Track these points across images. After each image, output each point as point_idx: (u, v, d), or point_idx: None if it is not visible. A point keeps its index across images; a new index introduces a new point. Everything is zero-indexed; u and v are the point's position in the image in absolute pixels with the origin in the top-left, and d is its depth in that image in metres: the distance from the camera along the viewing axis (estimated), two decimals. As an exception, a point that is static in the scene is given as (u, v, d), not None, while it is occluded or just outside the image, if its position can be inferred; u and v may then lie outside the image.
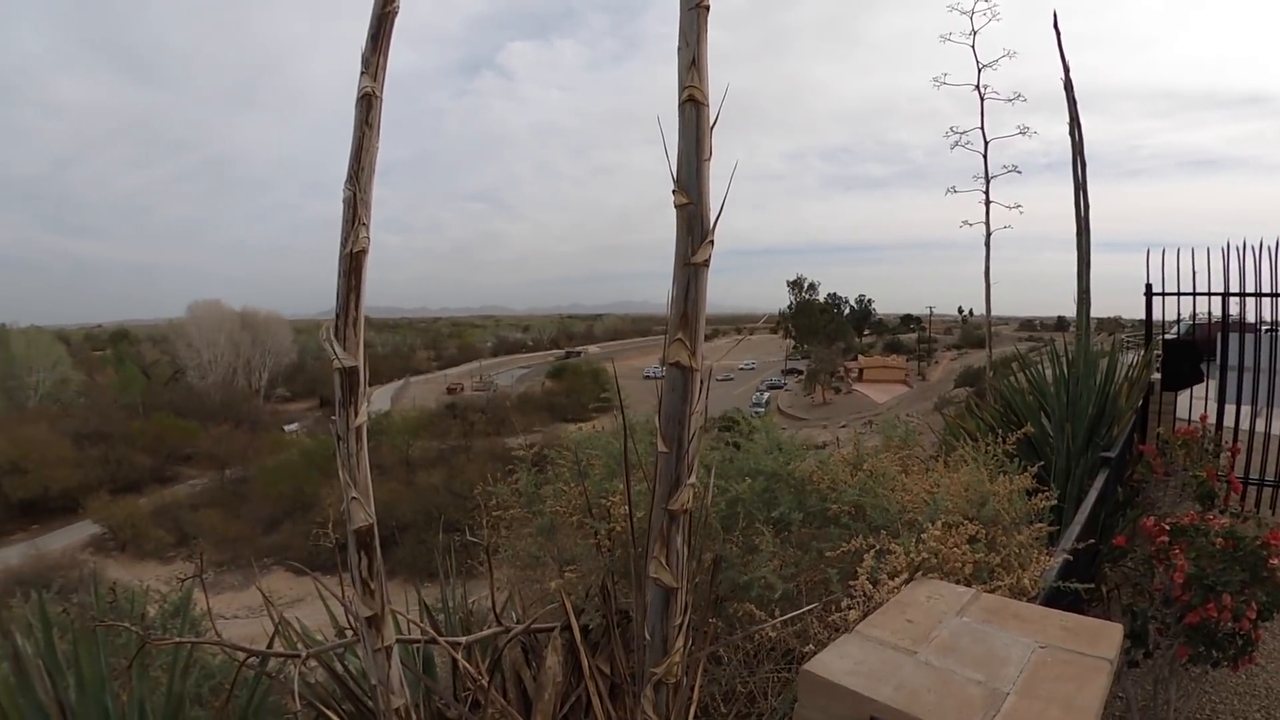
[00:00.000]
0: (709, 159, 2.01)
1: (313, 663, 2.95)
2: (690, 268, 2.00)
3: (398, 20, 2.26)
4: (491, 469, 4.70)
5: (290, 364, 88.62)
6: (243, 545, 37.41)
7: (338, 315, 2.17)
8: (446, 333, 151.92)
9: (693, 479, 2.07)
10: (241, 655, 3.08)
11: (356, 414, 2.15)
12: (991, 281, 10.65)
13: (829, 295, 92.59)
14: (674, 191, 2.00)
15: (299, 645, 3.13)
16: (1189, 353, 9.08)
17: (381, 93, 2.22)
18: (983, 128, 10.51)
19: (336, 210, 2.27)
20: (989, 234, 10.52)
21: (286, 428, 65.87)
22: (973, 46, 10.27)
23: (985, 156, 10.54)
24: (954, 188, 11.15)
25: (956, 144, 10.82)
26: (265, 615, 3.43)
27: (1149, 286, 8.58)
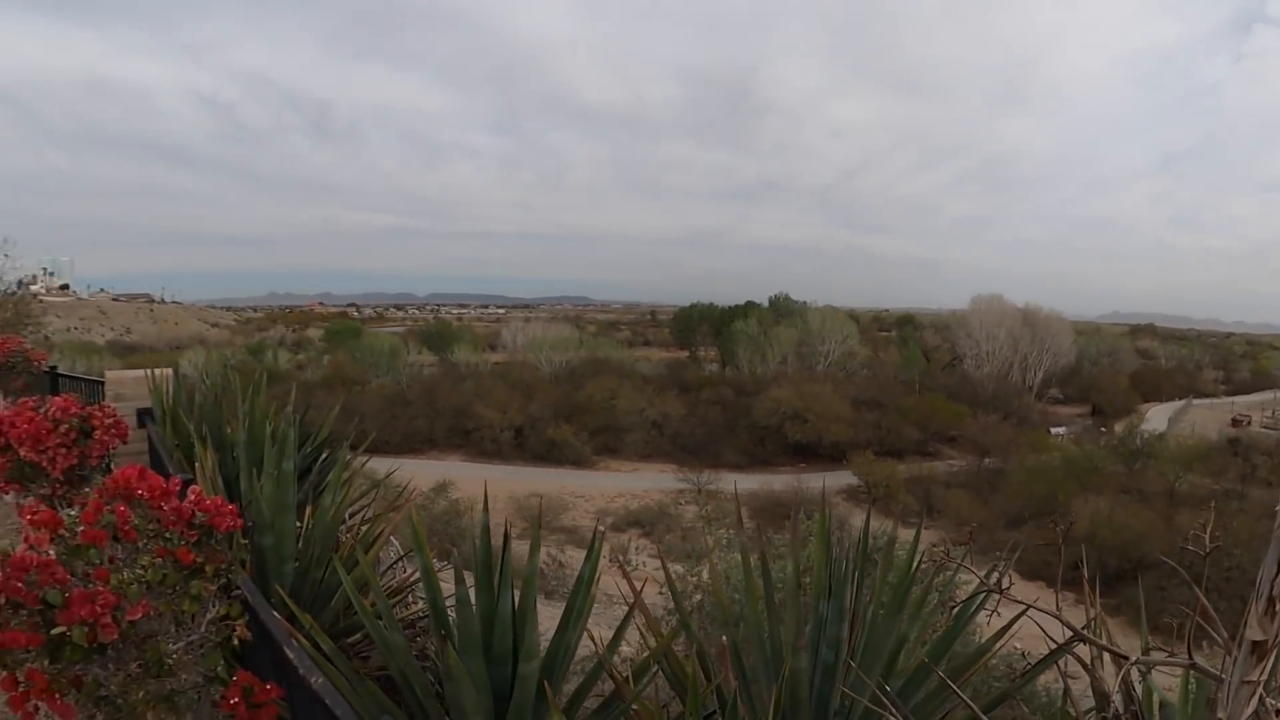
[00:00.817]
0: None
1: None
2: None
3: None
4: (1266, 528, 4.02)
5: (1066, 366, 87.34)
6: (979, 532, 38.09)
7: None
8: (1239, 352, 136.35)
9: None
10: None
11: None
12: None
13: None
14: None
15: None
16: None
17: None
18: None
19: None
20: None
21: (1053, 430, 65.32)
22: None
23: None
24: None
25: None
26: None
27: None
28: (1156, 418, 73.37)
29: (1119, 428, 62.41)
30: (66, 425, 4.67)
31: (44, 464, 4.63)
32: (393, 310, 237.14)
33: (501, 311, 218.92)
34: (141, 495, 2.75)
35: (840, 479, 47.87)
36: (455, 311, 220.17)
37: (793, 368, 74.92)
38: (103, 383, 7.94)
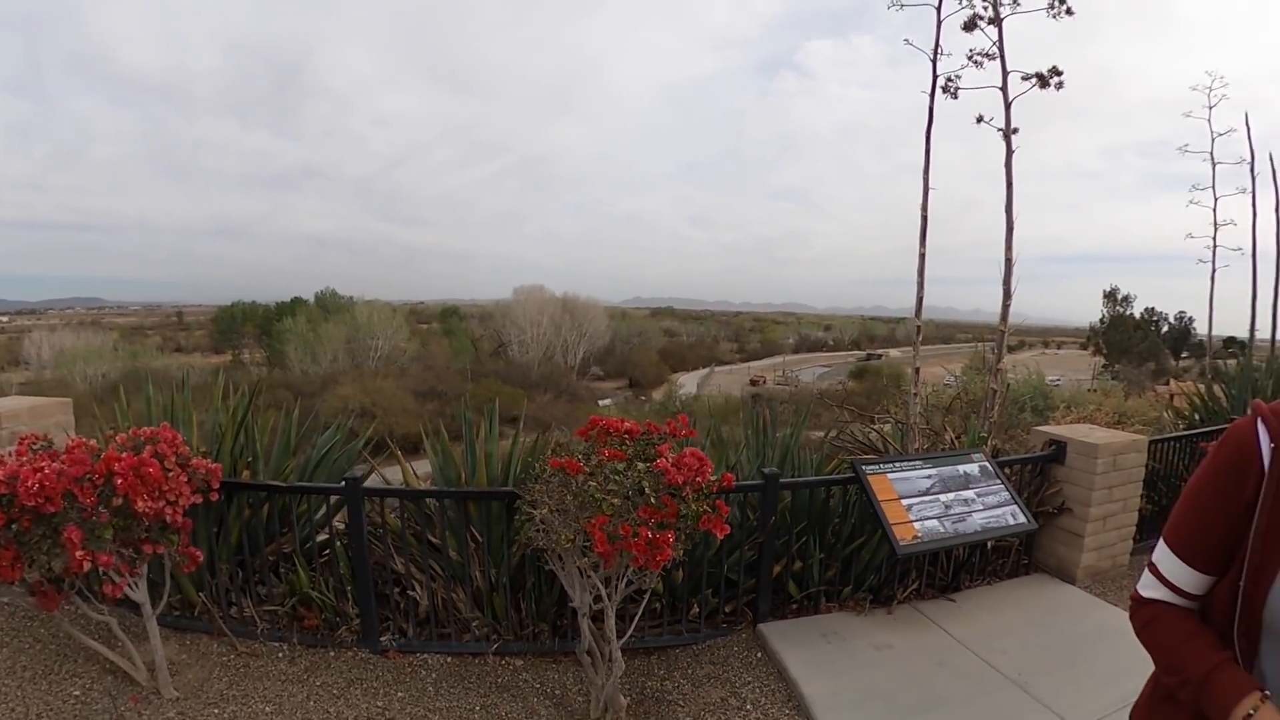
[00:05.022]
0: None
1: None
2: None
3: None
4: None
5: (602, 346, 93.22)
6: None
7: None
8: (749, 327, 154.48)
9: None
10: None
11: None
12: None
13: (1146, 310, 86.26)
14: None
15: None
16: None
17: None
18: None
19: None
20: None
21: (601, 402, 69.40)
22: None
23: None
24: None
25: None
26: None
27: None
28: (688, 384, 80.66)
29: (657, 394, 68.04)
30: (175, 459, 3.95)
31: (164, 513, 3.81)
32: None
33: (4, 319, 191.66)
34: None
35: (421, 469, 48.24)
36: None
37: (345, 365, 73.40)
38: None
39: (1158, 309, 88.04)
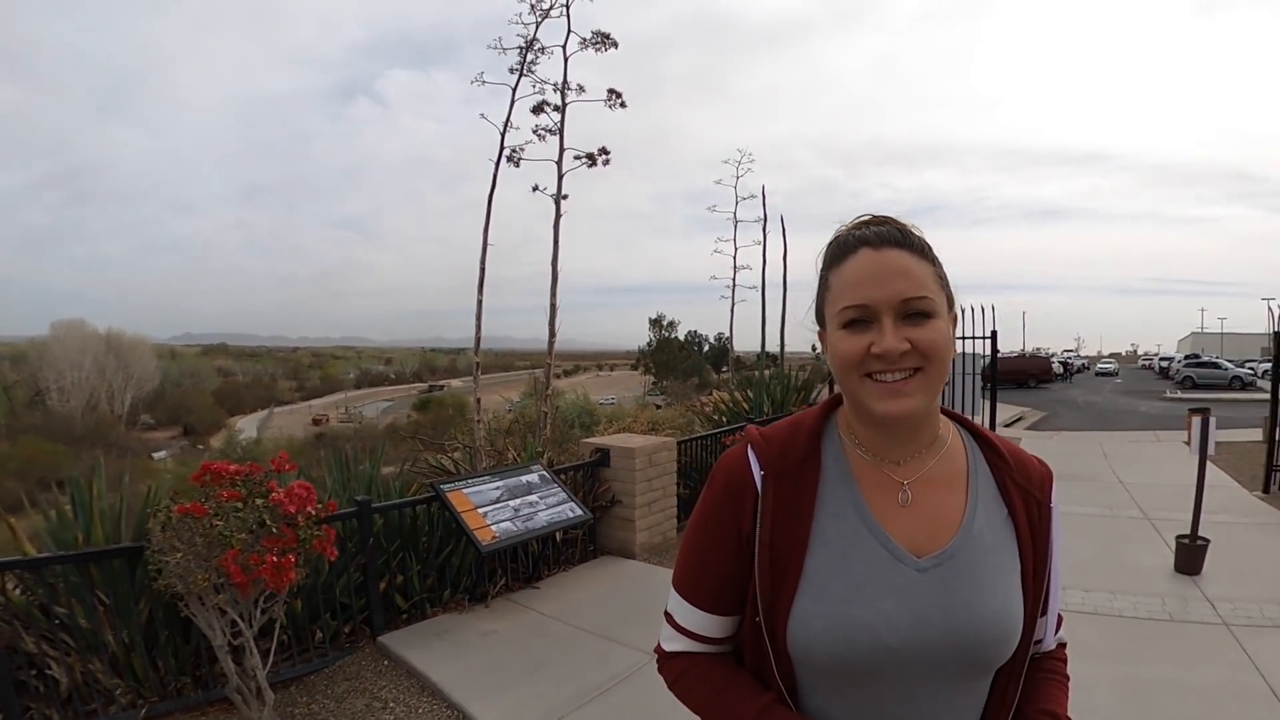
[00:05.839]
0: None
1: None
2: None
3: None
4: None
5: (152, 391, 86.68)
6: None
7: None
8: (308, 363, 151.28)
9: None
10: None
11: None
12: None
13: (689, 333, 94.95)
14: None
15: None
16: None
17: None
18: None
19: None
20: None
21: (156, 455, 65.14)
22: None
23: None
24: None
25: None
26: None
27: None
28: (247, 428, 77.43)
29: (216, 441, 65.09)
30: None
31: None
32: None
33: None
34: None
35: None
36: None
37: None
38: None
39: (700, 331, 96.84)
